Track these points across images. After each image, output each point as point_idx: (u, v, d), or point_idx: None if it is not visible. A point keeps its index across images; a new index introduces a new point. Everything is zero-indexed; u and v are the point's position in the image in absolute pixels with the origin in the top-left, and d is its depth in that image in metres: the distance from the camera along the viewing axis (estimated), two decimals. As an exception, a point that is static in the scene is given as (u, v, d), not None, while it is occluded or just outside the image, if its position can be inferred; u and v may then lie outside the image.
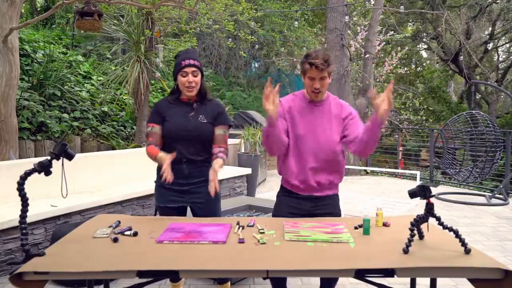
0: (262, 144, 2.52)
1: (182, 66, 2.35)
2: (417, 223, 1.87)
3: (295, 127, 2.38)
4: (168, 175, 2.15)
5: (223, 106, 2.55)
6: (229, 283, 2.77)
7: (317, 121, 2.37)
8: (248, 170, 6.10)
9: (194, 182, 2.46)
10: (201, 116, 2.43)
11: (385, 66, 12.61)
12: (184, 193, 2.47)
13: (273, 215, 2.50)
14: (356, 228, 2.19)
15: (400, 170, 9.35)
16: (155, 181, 2.54)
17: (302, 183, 2.39)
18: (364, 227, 2.08)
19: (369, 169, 8.35)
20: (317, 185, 2.39)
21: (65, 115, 6.37)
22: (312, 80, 2.30)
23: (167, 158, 2.23)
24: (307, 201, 2.41)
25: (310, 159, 2.36)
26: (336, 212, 2.48)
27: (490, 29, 17.00)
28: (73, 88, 7.16)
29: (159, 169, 2.47)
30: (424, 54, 20.93)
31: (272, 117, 2.11)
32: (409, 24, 18.14)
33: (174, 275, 1.65)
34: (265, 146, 2.30)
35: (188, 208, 2.57)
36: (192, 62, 2.36)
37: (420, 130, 12.82)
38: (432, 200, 1.86)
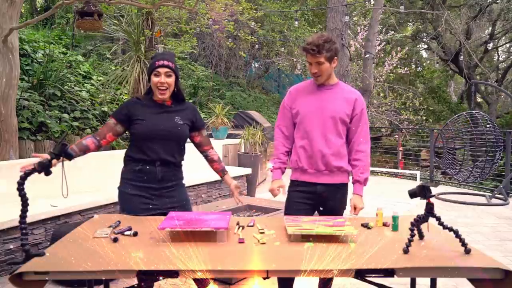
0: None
1: (155, 66, 2.29)
2: (417, 223, 1.87)
3: (301, 108, 2.41)
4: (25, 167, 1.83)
5: (197, 109, 2.53)
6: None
7: (323, 100, 2.40)
8: (248, 170, 6.10)
9: (167, 186, 2.38)
10: (177, 117, 2.38)
11: (385, 66, 12.62)
12: (156, 198, 2.36)
13: (285, 213, 2.51)
14: (363, 225, 2.20)
15: (400, 170, 9.34)
16: (119, 188, 2.41)
17: (311, 166, 2.40)
18: (394, 223, 2.14)
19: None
20: (326, 169, 2.40)
21: (65, 115, 6.37)
22: (310, 65, 2.36)
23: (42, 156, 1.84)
24: (317, 187, 2.42)
25: (318, 140, 2.37)
26: (344, 203, 2.51)
27: (490, 29, 17.00)
28: (73, 88, 7.16)
29: (124, 173, 2.40)
30: (424, 54, 20.93)
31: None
32: (409, 24, 18.13)
33: (174, 275, 1.65)
34: None
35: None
36: (166, 63, 2.30)
37: (420, 130, 12.82)
38: (432, 200, 1.86)
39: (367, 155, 2.44)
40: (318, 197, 2.43)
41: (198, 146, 2.52)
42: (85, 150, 2.27)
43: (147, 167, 2.31)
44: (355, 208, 2.44)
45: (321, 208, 2.48)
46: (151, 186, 2.34)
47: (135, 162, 2.34)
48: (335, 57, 2.34)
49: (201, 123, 2.50)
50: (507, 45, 19.70)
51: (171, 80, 2.33)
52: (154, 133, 2.30)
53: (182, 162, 2.48)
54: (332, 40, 2.32)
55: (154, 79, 2.30)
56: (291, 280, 2.49)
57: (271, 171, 2.53)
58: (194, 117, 2.45)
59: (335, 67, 2.39)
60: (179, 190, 2.44)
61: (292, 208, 2.46)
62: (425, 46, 19.16)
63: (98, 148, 2.35)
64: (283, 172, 2.56)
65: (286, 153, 2.53)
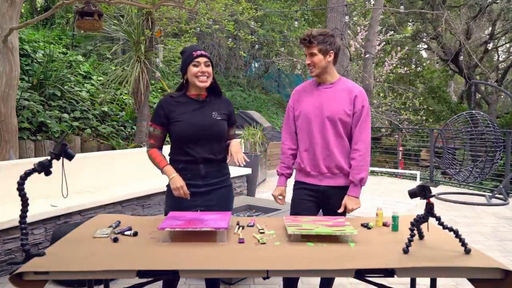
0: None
1: (194, 56, 2.24)
2: (417, 223, 1.87)
3: (302, 111, 2.41)
4: (185, 192, 2.22)
5: (231, 102, 2.47)
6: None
7: (322, 101, 2.38)
8: (248, 170, 6.10)
9: (212, 183, 2.33)
10: (214, 112, 2.31)
11: (385, 66, 12.62)
12: (198, 195, 2.31)
13: (292, 213, 2.50)
14: (363, 225, 2.20)
15: (400, 170, 9.34)
16: (167, 185, 2.35)
17: (314, 169, 2.40)
18: (394, 223, 2.14)
19: (369, 169, 8.36)
20: (328, 171, 2.39)
21: (65, 115, 6.37)
22: (306, 57, 2.38)
23: (179, 181, 2.21)
24: (320, 187, 2.42)
25: (318, 142, 2.37)
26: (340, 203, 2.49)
27: (490, 29, 17.00)
28: (73, 88, 7.16)
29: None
30: (424, 54, 20.94)
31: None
32: (409, 24, 18.13)
33: (174, 275, 1.65)
34: None
35: None
36: (204, 52, 2.26)
37: (420, 130, 12.82)
38: (432, 200, 1.87)
39: (363, 154, 2.36)
40: (322, 195, 2.42)
41: None
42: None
43: (190, 165, 2.29)
44: (345, 208, 2.36)
45: (324, 207, 2.48)
46: (196, 183, 2.30)
47: (178, 162, 2.31)
48: (331, 51, 2.31)
49: (234, 119, 2.44)
50: (507, 45, 19.70)
51: (210, 70, 2.29)
52: (192, 135, 2.26)
53: (225, 158, 2.43)
54: (329, 34, 2.30)
55: (194, 69, 2.24)
56: (296, 279, 2.49)
57: (279, 175, 2.56)
58: (229, 111, 2.39)
59: (331, 62, 2.35)
60: (223, 188, 2.39)
61: (298, 206, 2.45)
62: (425, 46, 19.16)
63: None
64: (287, 178, 2.54)
65: (292, 156, 2.52)
